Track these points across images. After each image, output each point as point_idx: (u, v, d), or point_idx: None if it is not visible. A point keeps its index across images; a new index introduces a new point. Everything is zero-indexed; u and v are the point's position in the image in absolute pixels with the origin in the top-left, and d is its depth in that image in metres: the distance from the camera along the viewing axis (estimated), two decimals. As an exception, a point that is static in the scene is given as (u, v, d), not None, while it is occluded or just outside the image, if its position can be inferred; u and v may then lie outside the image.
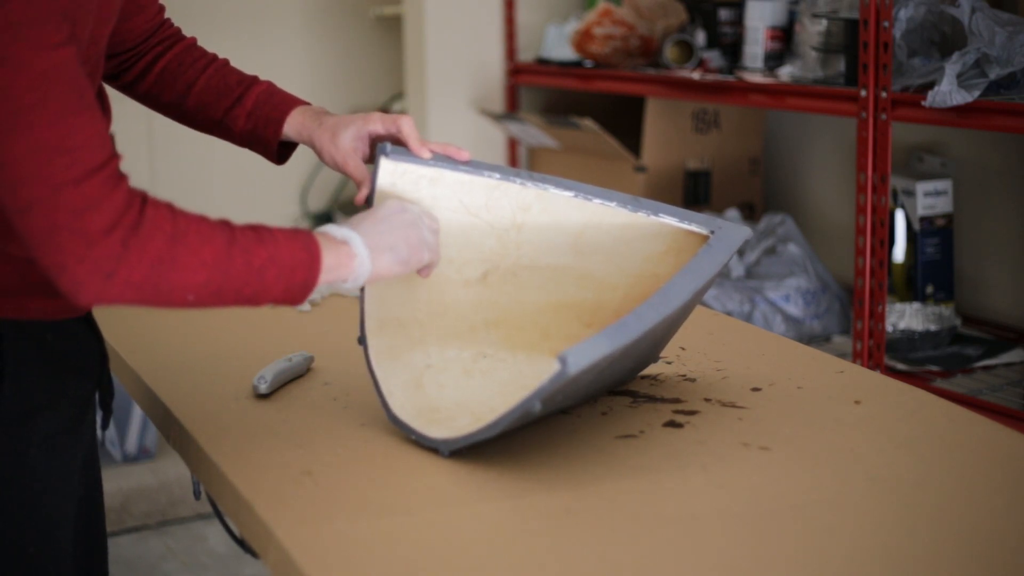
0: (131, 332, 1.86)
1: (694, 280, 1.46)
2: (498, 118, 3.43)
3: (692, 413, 1.55)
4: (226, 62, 1.66)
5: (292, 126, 1.60)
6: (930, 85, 2.33)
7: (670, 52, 3.06)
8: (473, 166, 1.58)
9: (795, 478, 1.38)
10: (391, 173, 1.54)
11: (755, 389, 1.63)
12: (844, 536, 1.25)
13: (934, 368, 2.56)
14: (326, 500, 1.33)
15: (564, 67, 3.31)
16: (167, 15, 1.66)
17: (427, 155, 1.55)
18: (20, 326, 1.37)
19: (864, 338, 2.52)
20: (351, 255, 1.36)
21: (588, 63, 3.23)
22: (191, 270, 1.24)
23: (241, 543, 1.70)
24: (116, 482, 3.26)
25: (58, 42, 1.20)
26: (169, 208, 1.25)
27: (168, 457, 3.37)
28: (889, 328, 2.62)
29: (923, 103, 2.31)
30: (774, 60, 2.87)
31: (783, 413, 1.56)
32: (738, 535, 1.26)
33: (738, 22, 3.01)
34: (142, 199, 1.23)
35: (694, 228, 1.60)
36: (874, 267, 2.50)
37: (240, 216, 1.37)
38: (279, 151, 1.63)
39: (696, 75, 2.96)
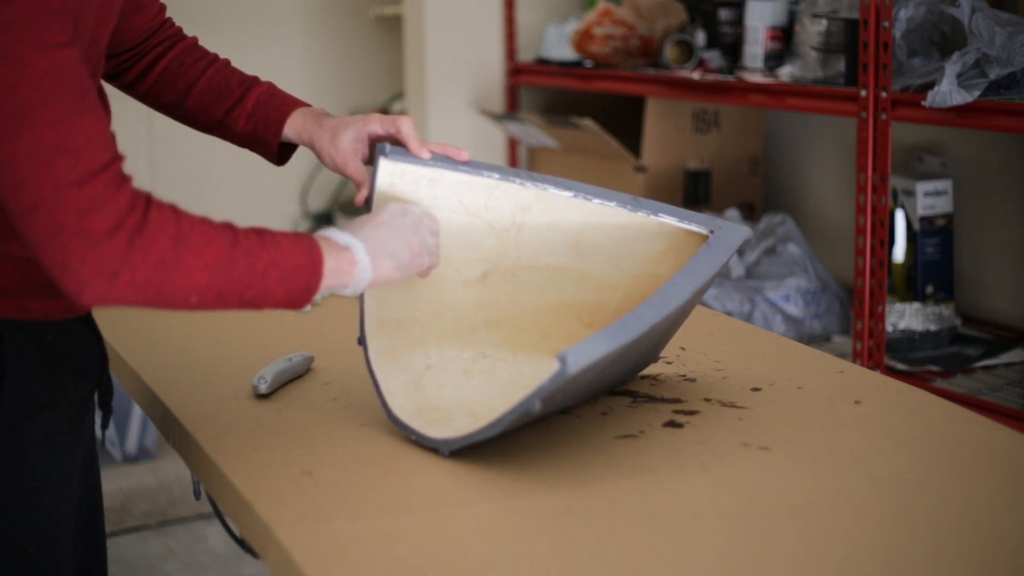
0: (131, 332, 1.86)
1: (694, 280, 1.46)
2: (498, 118, 3.43)
3: (692, 413, 1.55)
4: (227, 62, 1.65)
5: (292, 127, 1.60)
6: (930, 85, 2.33)
7: (670, 52, 3.06)
8: (472, 166, 1.58)
9: (795, 478, 1.38)
10: (390, 173, 1.53)
11: (755, 389, 1.63)
12: (844, 536, 1.25)
13: (934, 368, 2.56)
14: (326, 500, 1.32)
15: (564, 67, 3.31)
16: (167, 15, 1.66)
17: (426, 155, 1.55)
18: (20, 326, 1.37)
19: (864, 338, 2.52)
20: (352, 261, 1.36)
21: (588, 63, 3.23)
22: (194, 272, 1.23)
23: (241, 543, 1.70)
24: (116, 482, 3.26)
25: (62, 42, 1.19)
26: (173, 210, 1.25)
27: (168, 457, 3.37)
28: (889, 328, 2.62)
29: (923, 103, 2.31)
30: (774, 60, 2.87)
31: (783, 413, 1.56)
32: (738, 535, 1.26)
33: (738, 22, 3.01)
34: (146, 200, 1.23)
35: (694, 228, 1.60)
36: (874, 267, 2.50)
37: (240, 216, 1.37)
38: (279, 152, 1.63)
39: (696, 75, 2.96)
